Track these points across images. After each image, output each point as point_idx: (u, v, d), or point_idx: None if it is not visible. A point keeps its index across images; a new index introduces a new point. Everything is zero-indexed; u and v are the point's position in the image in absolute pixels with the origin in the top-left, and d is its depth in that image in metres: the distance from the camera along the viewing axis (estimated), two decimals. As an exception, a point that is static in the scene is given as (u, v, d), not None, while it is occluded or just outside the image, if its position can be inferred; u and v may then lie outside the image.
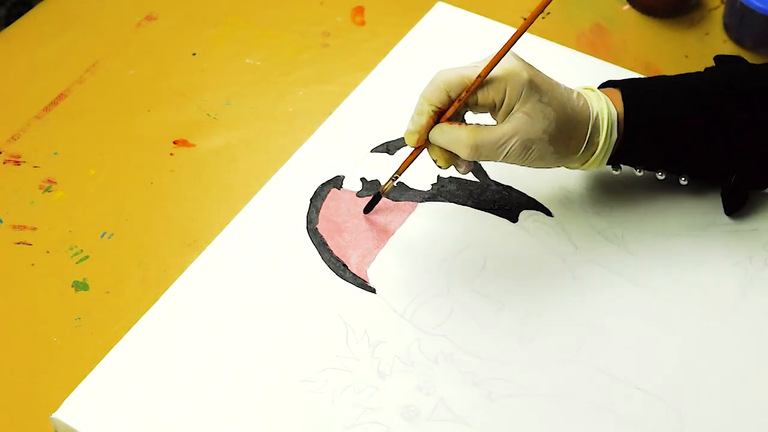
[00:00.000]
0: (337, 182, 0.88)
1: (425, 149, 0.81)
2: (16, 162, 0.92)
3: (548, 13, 1.06)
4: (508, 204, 0.87)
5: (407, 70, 0.98)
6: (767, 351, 0.78)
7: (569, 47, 1.01)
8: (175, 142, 0.94)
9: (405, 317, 0.79)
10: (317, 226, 0.85)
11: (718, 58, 0.87)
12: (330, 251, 0.83)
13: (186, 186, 0.91)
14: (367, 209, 0.86)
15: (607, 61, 0.99)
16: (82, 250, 0.85)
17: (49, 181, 0.90)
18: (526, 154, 0.78)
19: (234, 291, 0.81)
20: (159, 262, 0.84)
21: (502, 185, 0.88)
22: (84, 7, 1.07)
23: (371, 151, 0.91)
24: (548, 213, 0.86)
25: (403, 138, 0.90)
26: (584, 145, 0.80)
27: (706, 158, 0.83)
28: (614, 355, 0.78)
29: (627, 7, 1.07)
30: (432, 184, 0.88)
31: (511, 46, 0.77)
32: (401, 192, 0.87)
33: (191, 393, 0.75)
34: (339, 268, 0.82)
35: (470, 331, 0.79)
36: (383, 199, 0.86)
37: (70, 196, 0.90)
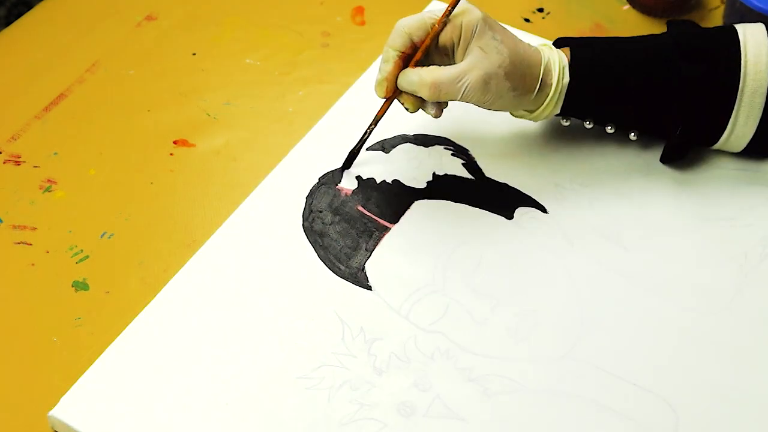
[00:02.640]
0: (332, 179, 0.89)
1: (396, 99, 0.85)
2: (16, 162, 0.93)
3: (548, 13, 1.07)
4: (504, 201, 0.87)
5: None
6: (762, 346, 0.79)
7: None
8: (175, 142, 0.94)
9: (401, 314, 0.80)
10: (313, 224, 0.85)
11: (670, 23, 0.90)
12: (325, 248, 0.84)
13: (186, 186, 0.91)
14: (346, 165, 0.89)
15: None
16: (82, 250, 0.86)
17: (49, 181, 0.91)
18: (485, 89, 0.82)
19: (230, 289, 0.81)
20: (159, 262, 0.85)
21: (497, 182, 0.89)
22: (84, 7, 1.07)
23: (366, 149, 0.91)
24: (543, 210, 0.87)
25: (398, 137, 0.91)
26: (538, 85, 0.84)
27: (650, 111, 0.86)
28: (609, 351, 0.78)
29: (627, 7, 1.08)
30: (427, 182, 0.88)
31: None
32: (398, 189, 0.88)
33: (188, 390, 0.76)
34: (334, 265, 0.83)
35: (466, 328, 0.79)
36: (382, 197, 0.87)
37: (70, 196, 0.90)
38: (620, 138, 0.92)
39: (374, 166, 0.90)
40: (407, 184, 0.88)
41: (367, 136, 0.87)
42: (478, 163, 0.90)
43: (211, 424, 0.74)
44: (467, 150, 0.91)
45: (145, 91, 0.99)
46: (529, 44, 0.85)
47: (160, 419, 0.74)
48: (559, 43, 0.88)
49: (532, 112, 0.87)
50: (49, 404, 0.75)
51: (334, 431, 0.73)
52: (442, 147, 0.91)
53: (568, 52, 0.86)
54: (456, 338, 0.78)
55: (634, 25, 1.06)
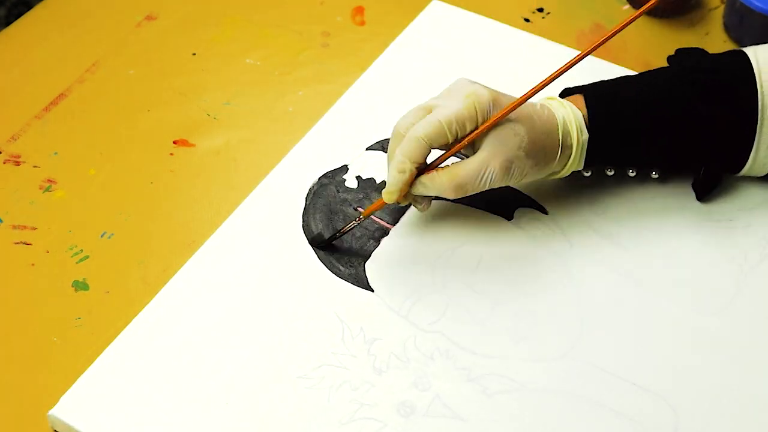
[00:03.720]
0: (332, 179, 0.89)
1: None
2: (16, 162, 0.93)
3: (548, 13, 1.07)
4: (503, 201, 0.87)
5: (402, 69, 0.98)
6: (762, 346, 0.79)
7: (569, 47, 1.01)
8: (175, 142, 0.94)
9: (401, 314, 0.80)
10: (312, 224, 0.86)
11: (678, 51, 0.88)
12: (325, 249, 0.84)
13: (186, 186, 0.91)
14: (321, 246, 0.84)
15: (607, 60, 0.99)
16: (82, 250, 0.86)
17: (49, 181, 0.91)
18: (508, 175, 0.80)
19: (230, 288, 0.82)
20: (159, 262, 0.85)
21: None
22: (84, 7, 1.07)
23: (367, 149, 0.91)
24: (543, 210, 0.87)
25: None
26: (559, 151, 0.82)
27: (671, 152, 0.85)
28: (609, 351, 0.78)
29: (627, 7, 1.08)
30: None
31: (515, 107, 0.79)
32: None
33: (187, 390, 0.76)
34: (334, 265, 0.83)
35: (466, 328, 0.79)
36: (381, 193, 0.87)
37: (70, 196, 0.90)
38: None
39: (374, 167, 0.90)
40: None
41: (348, 228, 0.84)
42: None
43: (211, 423, 0.74)
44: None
45: (145, 91, 0.99)
46: (541, 108, 0.82)
47: (160, 418, 0.74)
48: (565, 93, 0.86)
49: (556, 173, 0.84)
50: (49, 404, 0.75)
51: (334, 431, 0.74)
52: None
53: (580, 101, 0.84)
54: (456, 338, 0.79)
55: (635, 25, 1.05)
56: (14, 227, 0.88)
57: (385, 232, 0.85)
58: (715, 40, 1.04)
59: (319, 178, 0.89)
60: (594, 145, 0.83)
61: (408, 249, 0.84)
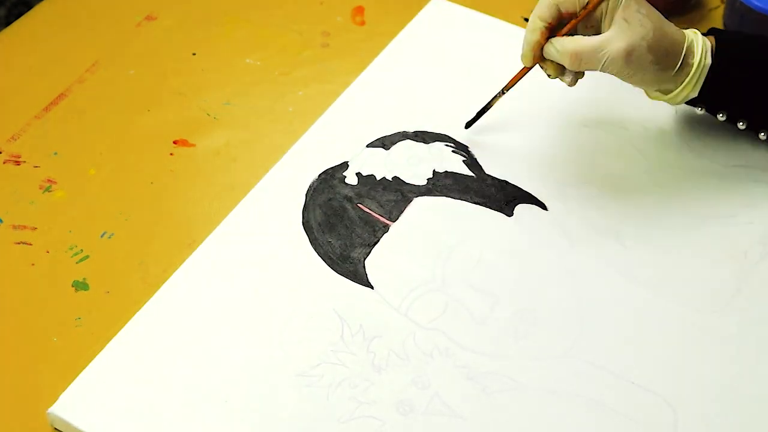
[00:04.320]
0: (332, 176, 0.89)
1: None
2: (16, 162, 0.93)
3: (548, 13, 1.07)
4: (504, 198, 0.88)
5: (403, 66, 0.99)
6: (761, 345, 0.79)
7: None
8: (175, 142, 0.95)
9: (400, 311, 0.80)
10: (312, 222, 0.86)
11: None
12: (325, 245, 0.84)
13: (186, 186, 0.91)
14: (469, 124, 0.92)
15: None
16: (82, 250, 0.86)
17: (49, 181, 0.91)
18: (627, 60, 0.82)
19: (230, 286, 0.82)
20: (159, 262, 0.85)
21: (498, 179, 0.89)
22: (84, 7, 1.07)
23: (367, 146, 0.91)
24: (543, 207, 0.87)
25: (399, 134, 0.91)
26: (680, 62, 0.84)
27: None
28: (609, 350, 0.79)
29: (627, 6, 1.08)
30: (428, 179, 0.89)
31: None
32: (398, 186, 0.88)
33: (187, 388, 0.76)
34: (334, 262, 0.83)
35: (465, 326, 0.79)
36: (382, 194, 0.87)
37: (70, 196, 0.90)
38: (620, 136, 0.92)
39: (374, 163, 0.90)
40: (407, 181, 0.89)
41: (496, 101, 0.90)
42: (478, 160, 0.90)
43: (210, 421, 0.74)
44: (467, 147, 0.92)
45: (145, 91, 0.99)
46: (673, 24, 0.85)
47: (159, 416, 0.75)
48: (706, 33, 0.88)
49: (668, 92, 0.87)
50: (49, 403, 0.75)
51: (333, 429, 0.74)
52: (443, 144, 0.92)
53: (713, 41, 0.86)
54: (455, 336, 0.79)
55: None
56: (14, 227, 0.88)
57: (385, 229, 0.85)
58: (715, 40, 1.04)
59: (320, 175, 0.89)
60: (714, 75, 0.85)
61: (408, 246, 0.84)
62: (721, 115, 0.88)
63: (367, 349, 0.78)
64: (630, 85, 0.86)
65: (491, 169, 0.90)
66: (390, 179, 0.88)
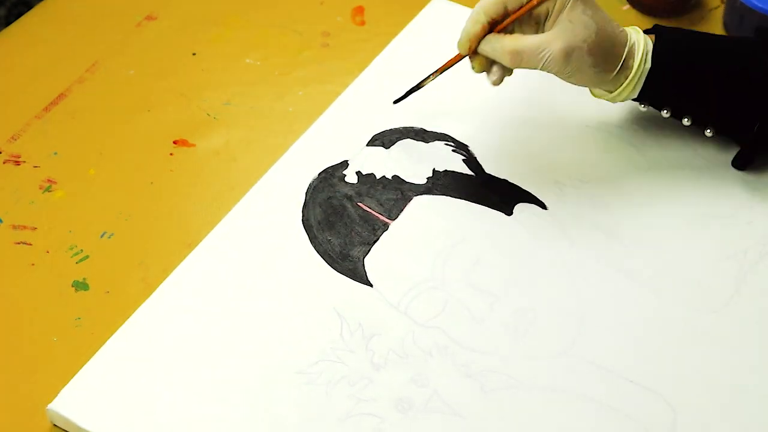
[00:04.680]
0: (332, 174, 0.89)
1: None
2: (16, 162, 0.93)
3: (548, 13, 1.07)
4: (503, 197, 0.88)
5: (403, 65, 0.99)
6: (760, 344, 0.79)
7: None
8: (175, 142, 0.95)
9: (399, 310, 0.80)
10: (312, 220, 0.86)
11: (758, 29, 0.91)
12: (324, 243, 0.84)
13: (186, 186, 0.91)
14: (397, 101, 0.92)
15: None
16: (82, 250, 0.86)
17: (49, 181, 0.91)
18: (566, 61, 0.83)
19: (229, 283, 0.82)
20: (159, 262, 0.85)
21: (498, 178, 0.89)
22: (84, 7, 1.07)
23: (366, 145, 0.92)
24: (543, 206, 0.88)
25: (399, 132, 0.91)
26: (620, 65, 0.85)
27: (729, 104, 0.86)
28: (607, 349, 0.79)
29: (627, 7, 1.08)
30: (427, 178, 0.89)
31: None
32: (397, 185, 0.88)
33: (186, 384, 0.76)
34: (333, 260, 0.83)
35: (464, 324, 0.80)
36: (381, 193, 0.88)
37: (70, 196, 0.90)
38: (619, 134, 0.92)
39: (374, 162, 0.90)
40: (407, 179, 0.89)
41: (427, 83, 0.91)
42: (478, 159, 0.91)
43: (209, 418, 0.75)
44: (467, 146, 0.92)
45: (145, 91, 0.99)
46: (617, 24, 0.86)
47: (158, 413, 0.75)
48: (649, 31, 0.89)
49: (610, 92, 0.87)
50: (49, 402, 0.75)
51: (332, 426, 0.74)
52: (443, 143, 0.92)
53: (653, 38, 0.87)
54: (454, 334, 0.79)
55: (635, 25, 1.06)
56: (14, 227, 0.88)
57: (385, 228, 0.85)
58: (715, 40, 1.04)
59: (320, 174, 0.89)
60: (653, 76, 0.85)
61: (407, 244, 0.85)
62: (665, 111, 0.88)
63: (366, 347, 0.78)
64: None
65: (491, 168, 0.90)
66: (390, 178, 0.88)
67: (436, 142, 0.92)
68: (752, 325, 0.80)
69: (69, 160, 0.93)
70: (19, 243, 0.87)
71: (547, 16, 0.84)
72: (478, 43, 0.85)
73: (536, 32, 0.85)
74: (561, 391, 0.76)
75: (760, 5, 0.99)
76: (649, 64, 0.85)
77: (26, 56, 1.03)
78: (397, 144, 0.92)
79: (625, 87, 0.86)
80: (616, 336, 0.79)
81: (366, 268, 0.83)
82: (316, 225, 0.86)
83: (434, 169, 0.90)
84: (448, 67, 0.89)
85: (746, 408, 0.76)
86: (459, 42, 0.85)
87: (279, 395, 0.76)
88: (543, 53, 0.82)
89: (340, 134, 0.93)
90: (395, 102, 0.92)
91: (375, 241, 0.85)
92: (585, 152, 0.92)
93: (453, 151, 0.91)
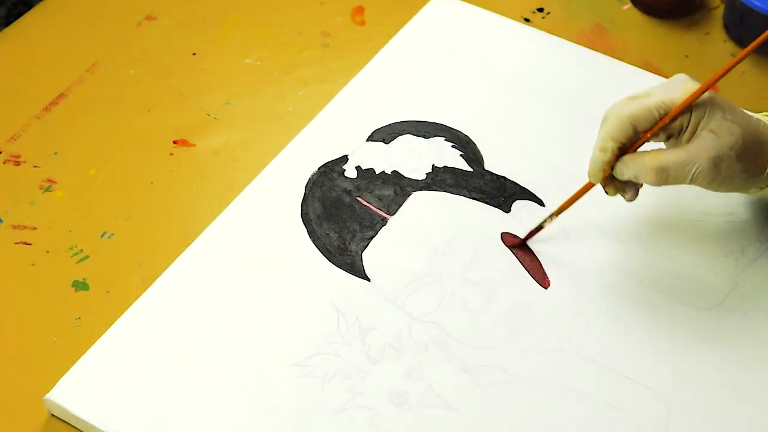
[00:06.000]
0: (332, 169, 0.90)
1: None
2: (16, 162, 0.93)
3: (548, 13, 1.07)
4: (502, 194, 0.88)
5: (404, 60, 1.00)
6: (755, 342, 0.80)
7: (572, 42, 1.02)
8: (175, 142, 0.95)
9: (396, 304, 0.81)
10: (311, 214, 0.86)
11: None
12: (323, 237, 0.85)
13: (186, 186, 0.91)
14: (518, 245, 0.85)
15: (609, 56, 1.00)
16: (82, 250, 0.86)
17: (49, 181, 0.91)
18: (716, 173, 0.77)
19: (228, 276, 0.83)
20: (159, 262, 0.85)
21: (496, 175, 0.90)
22: (84, 7, 1.08)
23: (367, 140, 0.92)
24: (541, 203, 0.88)
25: (399, 128, 0.92)
26: None
27: None
28: (603, 344, 0.79)
29: (628, 6, 1.08)
30: (426, 173, 0.89)
31: (718, 79, 0.77)
32: (397, 180, 0.88)
33: (183, 376, 0.77)
34: (332, 254, 0.84)
35: (461, 319, 0.80)
36: (380, 188, 0.88)
37: (70, 196, 0.90)
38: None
39: (374, 157, 0.91)
40: (406, 175, 0.89)
41: (552, 219, 0.84)
42: (477, 155, 0.91)
43: (205, 409, 0.75)
44: (467, 142, 0.92)
45: (145, 91, 0.99)
46: (757, 119, 0.79)
47: (155, 404, 0.75)
48: None
49: (761, 189, 0.82)
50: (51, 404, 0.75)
51: (327, 419, 0.75)
52: (443, 139, 0.92)
53: None
54: (450, 329, 0.80)
55: (635, 25, 1.07)
56: (14, 227, 0.88)
57: (384, 223, 0.86)
58: (715, 40, 1.05)
59: (319, 168, 0.90)
60: None
61: (405, 239, 0.85)
62: None
63: (362, 341, 0.79)
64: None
65: (490, 164, 0.90)
66: (389, 173, 0.89)
67: (436, 138, 0.92)
68: (748, 322, 0.81)
69: (69, 160, 0.93)
70: (19, 243, 0.87)
71: (681, 130, 0.77)
72: (611, 168, 0.79)
73: (670, 147, 0.79)
74: (556, 386, 0.77)
75: (760, 5, 0.99)
76: None
77: (26, 56, 1.03)
78: (397, 139, 0.92)
79: None
80: (612, 332, 0.80)
81: (364, 263, 0.83)
82: (314, 219, 0.86)
83: (433, 165, 0.90)
84: (576, 200, 0.83)
85: (740, 405, 0.77)
86: (590, 172, 0.80)
87: (275, 387, 0.76)
88: (690, 167, 0.76)
89: (339, 129, 0.93)
90: (524, 240, 0.85)
91: (373, 236, 0.85)
92: (584, 150, 0.92)
93: (452, 147, 0.92)
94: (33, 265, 0.86)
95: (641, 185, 0.81)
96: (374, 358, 0.78)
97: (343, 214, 0.87)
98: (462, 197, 0.88)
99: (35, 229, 0.88)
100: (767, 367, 0.79)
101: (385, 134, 0.93)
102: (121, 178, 0.92)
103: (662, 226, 0.86)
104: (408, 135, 0.93)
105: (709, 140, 0.76)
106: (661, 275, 0.83)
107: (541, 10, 1.08)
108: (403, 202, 0.88)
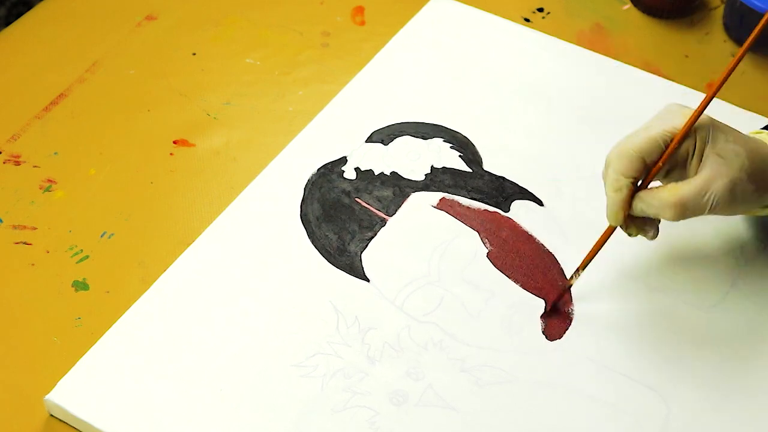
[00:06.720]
0: (331, 170, 0.90)
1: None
2: (16, 162, 0.93)
3: (548, 13, 1.07)
4: (501, 194, 0.89)
5: (403, 62, 1.00)
6: (754, 340, 0.80)
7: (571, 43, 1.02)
8: (175, 142, 0.95)
9: (396, 304, 0.81)
10: (310, 215, 0.86)
11: None
12: (322, 238, 0.85)
13: (186, 186, 0.92)
14: (553, 307, 0.82)
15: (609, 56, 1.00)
16: (82, 250, 0.86)
17: (49, 181, 0.92)
18: (732, 197, 0.76)
19: (227, 277, 0.83)
20: (159, 262, 0.85)
21: (495, 176, 0.90)
22: (84, 7, 1.08)
23: (366, 141, 0.92)
24: (540, 203, 0.88)
25: (397, 129, 0.92)
26: None
27: None
28: (602, 343, 0.80)
29: (627, 6, 1.08)
30: (425, 174, 0.90)
31: (712, 98, 0.76)
32: (396, 181, 0.88)
33: (183, 376, 0.77)
34: (331, 255, 0.84)
35: (460, 319, 0.81)
36: (379, 189, 0.89)
37: (70, 196, 0.91)
38: (616, 133, 0.92)
39: (373, 158, 0.91)
40: (405, 176, 0.90)
41: (578, 275, 0.82)
42: (475, 156, 0.91)
43: (206, 409, 0.75)
44: (465, 143, 0.92)
45: (145, 91, 0.99)
46: (753, 138, 0.79)
47: (155, 405, 0.76)
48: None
49: None
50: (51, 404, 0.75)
51: (327, 418, 0.75)
52: (441, 140, 0.92)
53: None
54: (450, 329, 0.80)
55: (635, 25, 1.07)
56: (14, 227, 0.88)
57: (383, 224, 0.86)
58: (715, 40, 1.05)
59: (318, 169, 0.90)
60: None
61: (404, 240, 0.86)
62: None
63: (362, 341, 0.79)
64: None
65: (489, 165, 0.91)
66: (388, 174, 0.89)
67: (435, 139, 0.93)
68: (748, 320, 0.82)
69: (69, 160, 0.93)
70: (19, 243, 0.87)
71: (687, 157, 0.77)
72: (629, 207, 0.78)
73: (679, 176, 0.78)
74: (555, 386, 0.78)
75: (760, 5, 1.00)
76: None
77: (26, 56, 1.03)
78: (395, 140, 0.92)
79: None
80: (611, 331, 0.81)
81: (363, 264, 0.84)
82: (314, 220, 0.86)
83: (432, 165, 0.90)
84: (599, 249, 0.80)
85: (739, 403, 0.77)
86: (609, 215, 0.78)
87: (275, 387, 0.77)
88: (707, 196, 0.75)
89: (339, 130, 0.93)
90: (555, 301, 0.83)
91: (372, 237, 0.86)
92: (582, 150, 0.92)
93: (451, 148, 0.92)
94: (33, 265, 0.86)
95: (659, 221, 0.79)
96: (374, 358, 0.78)
97: (342, 215, 0.87)
98: (461, 197, 0.88)
99: (35, 229, 0.88)
100: (766, 365, 0.79)
101: (384, 135, 0.93)
102: (121, 178, 0.92)
103: (661, 225, 0.86)
104: (407, 136, 0.93)
105: (718, 165, 0.76)
106: (660, 273, 0.84)
107: (541, 10, 1.08)
108: (402, 202, 0.88)
